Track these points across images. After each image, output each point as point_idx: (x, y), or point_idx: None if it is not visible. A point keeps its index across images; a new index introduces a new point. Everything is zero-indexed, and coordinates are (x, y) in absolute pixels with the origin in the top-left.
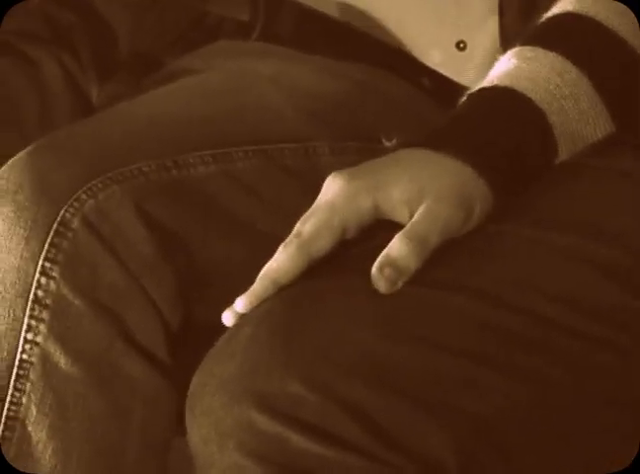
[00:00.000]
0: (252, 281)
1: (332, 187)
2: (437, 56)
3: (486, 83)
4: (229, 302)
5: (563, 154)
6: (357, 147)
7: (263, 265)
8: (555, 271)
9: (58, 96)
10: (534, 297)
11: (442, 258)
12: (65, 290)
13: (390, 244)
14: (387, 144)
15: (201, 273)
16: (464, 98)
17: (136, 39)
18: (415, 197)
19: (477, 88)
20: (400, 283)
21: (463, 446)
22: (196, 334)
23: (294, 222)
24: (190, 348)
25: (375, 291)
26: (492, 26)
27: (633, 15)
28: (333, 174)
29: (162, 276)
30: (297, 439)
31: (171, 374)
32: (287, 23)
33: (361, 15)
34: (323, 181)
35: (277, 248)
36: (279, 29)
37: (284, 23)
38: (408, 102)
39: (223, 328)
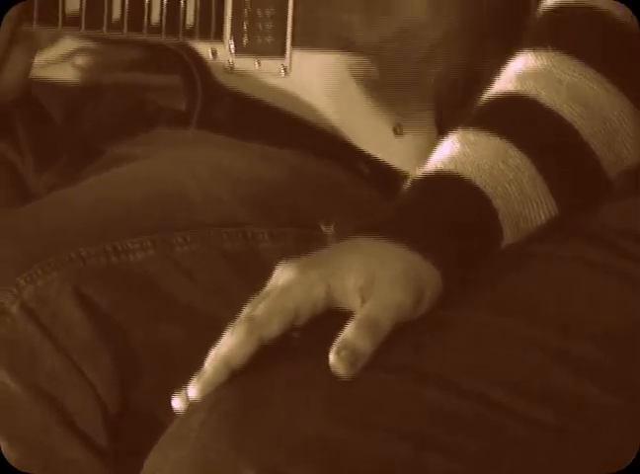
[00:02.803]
0: (190, 363)
1: (284, 274)
2: (373, 142)
3: (430, 167)
4: (169, 385)
5: (508, 238)
6: (295, 233)
7: (201, 347)
8: (505, 356)
9: None
10: (484, 382)
11: (393, 342)
12: (3, 375)
13: (345, 329)
14: (325, 230)
15: (140, 355)
16: (409, 183)
17: (74, 126)
18: (367, 285)
19: (421, 173)
20: (359, 367)
21: None
22: (135, 416)
23: (233, 306)
24: (129, 431)
25: (326, 377)
26: (428, 111)
27: (587, 85)
28: (284, 262)
29: (101, 361)
30: None
31: (109, 458)
32: (224, 110)
33: (298, 101)
34: (262, 266)
35: (216, 331)
36: (216, 117)
37: (221, 111)
38: (345, 187)
39: (163, 410)
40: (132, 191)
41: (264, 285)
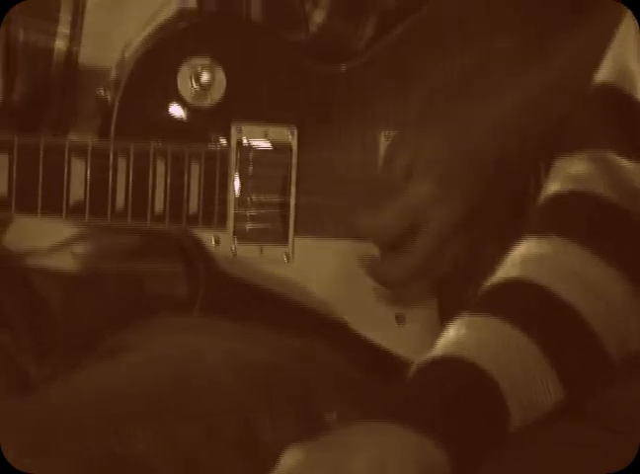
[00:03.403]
0: None
1: (291, 458)
2: (376, 329)
3: (436, 352)
4: None
5: (515, 421)
6: (298, 420)
7: None
8: None
9: None
10: None
11: None
12: None
13: None
14: (328, 418)
15: None
16: (415, 367)
17: (72, 315)
18: (375, 470)
19: (428, 357)
20: None
21: None
22: None
23: None
24: None
25: None
26: (430, 299)
27: (591, 270)
28: (291, 448)
29: None
30: None
31: None
32: (227, 297)
33: (300, 288)
34: (264, 453)
35: None
36: (219, 302)
37: (224, 297)
38: (348, 373)
39: None
40: (134, 379)
41: (268, 472)
